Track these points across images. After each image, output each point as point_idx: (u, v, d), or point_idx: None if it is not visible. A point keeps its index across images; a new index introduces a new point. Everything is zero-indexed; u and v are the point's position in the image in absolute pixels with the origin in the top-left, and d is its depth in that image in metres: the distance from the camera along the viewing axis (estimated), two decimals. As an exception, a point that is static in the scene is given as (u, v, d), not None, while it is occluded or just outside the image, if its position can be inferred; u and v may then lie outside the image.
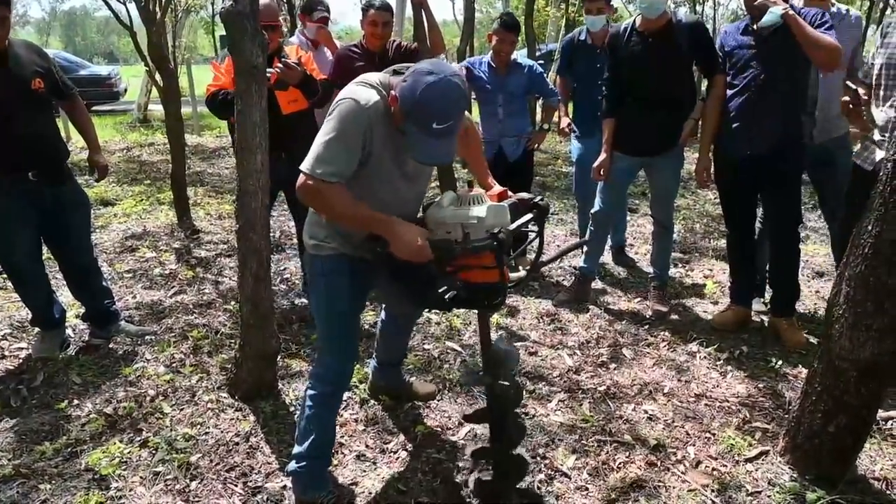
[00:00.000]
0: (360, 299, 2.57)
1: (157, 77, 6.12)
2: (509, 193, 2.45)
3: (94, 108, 14.41)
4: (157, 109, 11.71)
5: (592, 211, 4.33)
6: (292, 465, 2.49)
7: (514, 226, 2.22)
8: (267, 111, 3.00)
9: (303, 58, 3.94)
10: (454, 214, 2.22)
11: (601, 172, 4.11)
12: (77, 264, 3.71)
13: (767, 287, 4.09)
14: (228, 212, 6.51)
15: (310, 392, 2.49)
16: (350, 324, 2.53)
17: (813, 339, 3.75)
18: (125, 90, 15.88)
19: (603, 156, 4.08)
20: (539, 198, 2.40)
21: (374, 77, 2.25)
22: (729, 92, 3.66)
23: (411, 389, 3.24)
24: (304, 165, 2.13)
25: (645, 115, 3.90)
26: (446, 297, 2.22)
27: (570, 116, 4.97)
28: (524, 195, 2.43)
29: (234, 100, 3.02)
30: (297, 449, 2.49)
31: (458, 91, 2.07)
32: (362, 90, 2.18)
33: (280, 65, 3.64)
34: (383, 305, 3.12)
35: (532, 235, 2.52)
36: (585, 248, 4.48)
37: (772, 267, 3.93)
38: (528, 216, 2.35)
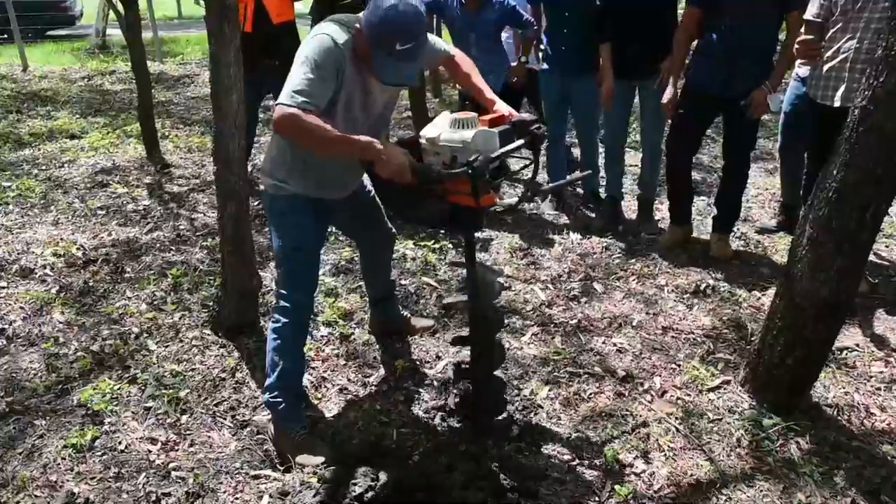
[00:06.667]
0: (318, 237, 2.66)
1: (115, 0, 5.87)
2: (510, 116, 2.46)
3: (49, 33, 13.84)
4: (115, 34, 11.25)
5: (600, 137, 4.68)
6: (265, 396, 2.60)
7: (497, 153, 2.25)
8: (240, 50, 2.96)
9: None
10: (447, 136, 2.28)
11: (608, 98, 4.34)
12: None
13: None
14: (198, 144, 6.42)
15: (273, 325, 2.59)
16: (308, 260, 2.60)
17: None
18: (81, 13, 15.16)
19: (608, 82, 4.28)
20: (536, 125, 2.41)
21: (343, 17, 2.34)
22: (712, 34, 3.79)
23: (409, 324, 3.36)
24: (282, 98, 2.16)
25: (637, 35, 4.05)
26: (436, 213, 2.36)
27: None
28: (525, 116, 2.44)
29: None
30: (268, 381, 2.59)
31: (417, 13, 2.19)
32: (335, 28, 2.26)
33: None
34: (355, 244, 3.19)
35: (524, 163, 2.58)
36: (605, 177, 4.83)
37: (721, 189, 4.28)
38: (518, 143, 2.36)
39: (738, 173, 4.14)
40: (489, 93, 2.60)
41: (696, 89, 3.92)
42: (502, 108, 2.51)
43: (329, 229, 3.04)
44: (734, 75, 3.73)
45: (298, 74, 2.18)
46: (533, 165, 2.51)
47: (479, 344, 2.58)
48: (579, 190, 5.18)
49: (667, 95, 3.97)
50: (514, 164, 2.56)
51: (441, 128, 2.31)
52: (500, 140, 2.30)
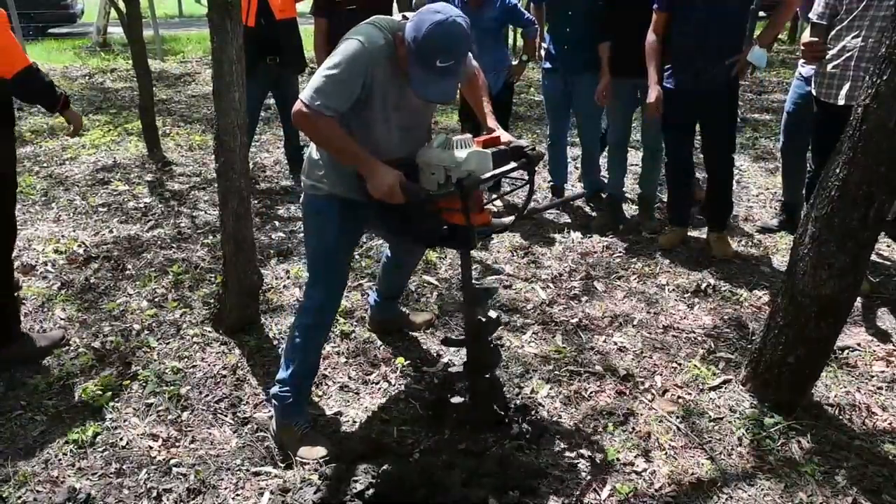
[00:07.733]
0: (350, 239, 2.65)
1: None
2: (502, 140, 2.48)
3: (50, 30, 13.87)
4: (116, 32, 11.28)
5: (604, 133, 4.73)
6: (274, 388, 2.60)
7: (488, 174, 2.29)
8: (243, 47, 2.96)
9: None
10: (439, 156, 2.32)
11: (604, 96, 4.36)
12: None
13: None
14: (199, 143, 6.43)
15: (296, 323, 2.60)
16: (338, 261, 2.60)
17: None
18: (82, 11, 15.20)
19: (605, 80, 4.31)
20: (530, 146, 2.45)
21: (383, 20, 2.32)
22: (679, 30, 3.86)
23: (408, 319, 3.36)
24: (303, 95, 2.21)
25: (640, 34, 4.04)
26: (430, 232, 2.40)
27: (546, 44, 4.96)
28: (521, 142, 2.48)
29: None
30: (280, 374, 2.60)
31: (463, 31, 2.17)
32: (371, 31, 2.26)
33: None
34: (386, 243, 3.21)
35: (520, 184, 2.61)
36: (606, 176, 4.82)
37: (709, 186, 4.29)
38: (511, 165, 2.41)
39: (723, 170, 4.12)
40: (492, 119, 2.64)
41: (671, 88, 3.96)
42: (503, 135, 2.53)
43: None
44: (704, 69, 3.80)
45: (322, 75, 2.20)
46: (528, 186, 2.54)
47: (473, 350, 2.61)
48: (580, 189, 5.20)
49: (652, 95, 3.99)
50: (508, 184, 2.60)
51: (434, 149, 2.35)
52: (494, 161, 2.33)
